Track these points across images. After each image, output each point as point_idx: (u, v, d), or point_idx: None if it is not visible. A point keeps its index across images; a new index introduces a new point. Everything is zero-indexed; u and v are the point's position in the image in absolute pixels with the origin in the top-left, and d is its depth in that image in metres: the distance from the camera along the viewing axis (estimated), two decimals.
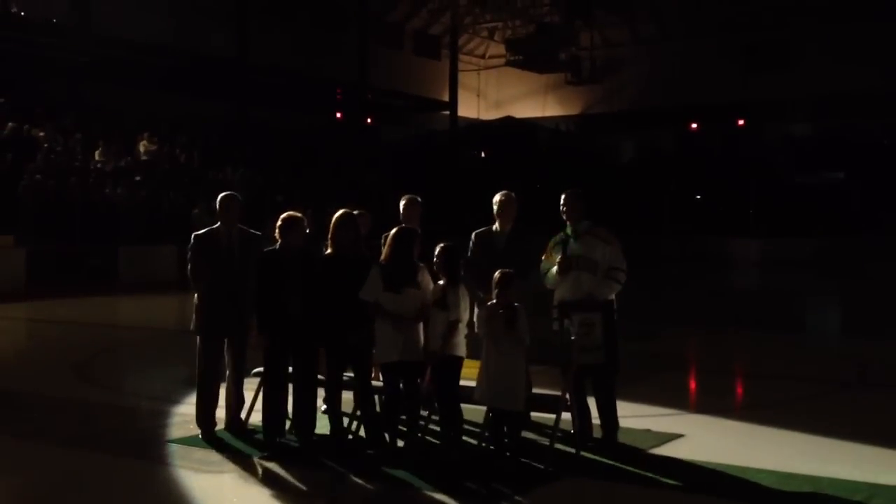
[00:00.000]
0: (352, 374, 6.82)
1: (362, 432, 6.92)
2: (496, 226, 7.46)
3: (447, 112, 45.30)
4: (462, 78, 46.37)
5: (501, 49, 46.37)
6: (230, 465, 6.50)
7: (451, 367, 6.51)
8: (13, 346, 13.84)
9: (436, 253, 6.57)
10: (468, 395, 6.50)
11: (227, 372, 7.29)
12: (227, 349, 7.28)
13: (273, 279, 6.83)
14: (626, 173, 38.86)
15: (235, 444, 6.94)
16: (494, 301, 6.41)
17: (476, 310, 6.65)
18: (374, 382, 6.86)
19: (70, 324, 15.83)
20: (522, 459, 6.38)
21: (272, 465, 6.45)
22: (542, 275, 7.12)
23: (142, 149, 26.60)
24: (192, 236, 7.35)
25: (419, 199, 7.69)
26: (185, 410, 8.00)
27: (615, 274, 6.92)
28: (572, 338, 6.72)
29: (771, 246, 31.69)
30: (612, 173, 37.97)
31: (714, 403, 9.02)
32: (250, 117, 33.09)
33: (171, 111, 30.19)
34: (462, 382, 6.59)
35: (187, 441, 7.06)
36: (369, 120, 40.71)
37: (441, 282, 6.54)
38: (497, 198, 7.47)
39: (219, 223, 7.27)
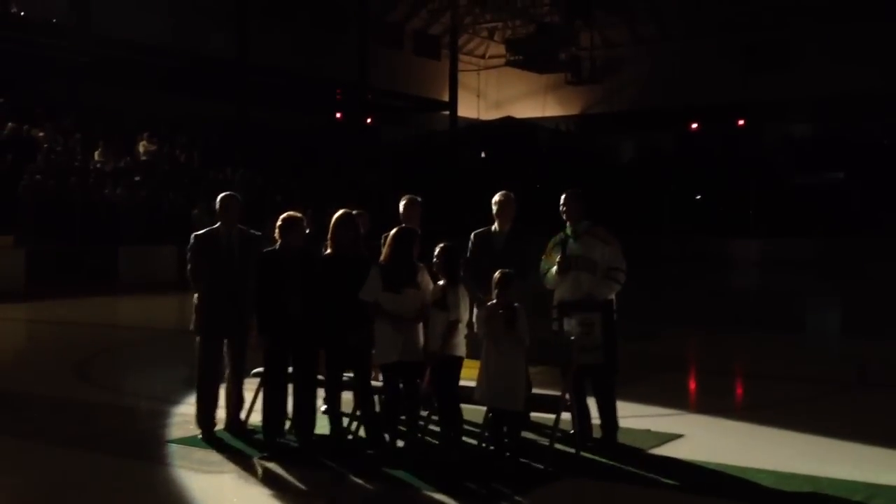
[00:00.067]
0: (352, 375, 6.82)
1: (362, 432, 6.91)
2: (495, 226, 7.45)
3: (447, 112, 45.32)
4: (462, 78, 46.39)
5: (501, 49, 46.39)
6: (230, 466, 6.49)
7: (450, 367, 6.51)
8: (13, 347, 13.84)
9: (435, 253, 6.57)
10: (468, 396, 6.50)
11: (227, 372, 7.29)
12: (227, 349, 7.28)
13: (273, 279, 6.83)
14: (626, 173, 38.87)
15: (235, 445, 6.94)
16: (494, 301, 6.41)
17: (475, 310, 6.65)
18: (373, 383, 6.86)
19: (70, 324, 15.83)
20: (522, 459, 6.37)
21: (272, 466, 6.45)
22: (541, 275, 7.11)
23: (141, 149, 26.62)
24: (192, 236, 7.35)
25: (419, 199, 7.69)
26: (185, 410, 8.00)
27: (615, 274, 6.92)
28: (572, 338, 6.72)
29: (771, 246, 31.70)
30: (612, 173, 37.99)
31: (714, 403, 9.02)
32: (250, 117, 33.11)
33: (171, 111, 30.21)
34: (462, 382, 6.59)
35: (187, 441, 7.05)
36: (369, 120, 40.73)
37: (441, 282, 6.53)
38: (496, 198, 7.46)
39: (219, 223, 7.27)
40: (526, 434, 6.83)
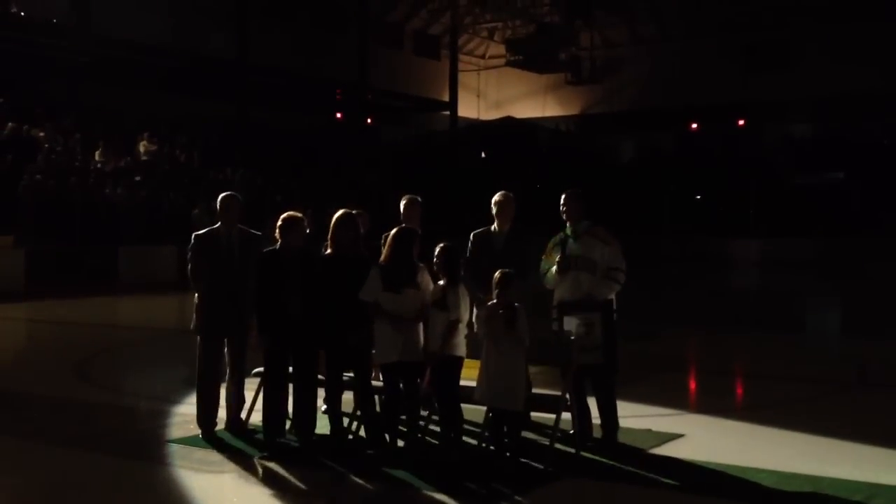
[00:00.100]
0: (352, 375, 6.82)
1: (362, 432, 6.91)
2: (495, 226, 7.45)
3: (447, 112, 45.32)
4: (462, 78, 46.39)
5: (501, 49, 46.40)
6: (230, 465, 6.50)
7: (450, 367, 6.51)
8: (13, 346, 13.84)
9: (436, 253, 6.57)
10: (468, 396, 6.50)
11: (228, 372, 7.29)
12: (227, 349, 7.28)
13: (273, 279, 6.83)
14: (626, 173, 38.87)
15: (235, 444, 6.94)
16: (494, 301, 6.41)
17: (475, 310, 6.65)
18: (374, 383, 6.86)
19: (70, 324, 15.83)
20: (522, 459, 6.37)
21: (272, 465, 6.45)
22: (541, 275, 7.12)
23: (142, 149, 26.62)
24: (193, 236, 7.35)
25: (419, 199, 7.69)
26: (186, 410, 8.00)
27: (614, 274, 6.92)
28: (572, 338, 6.72)
29: (771, 246, 31.69)
30: (612, 173, 37.99)
31: (714, 403, 9.02)
32: (250, 117, 33.10)
33: (171, 111, 30.21)
34: (462, 382, 6.59)
35: (187, 441, 7.06)
36: (369, 120, 40.72)
37: (441, 282, 6.54)
38: (495, 198, 7.46)
39: (219, 223, 7.28)
40: (526, 434, 6.83)
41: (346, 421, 6.95)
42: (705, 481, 6.13)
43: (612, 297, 6.98)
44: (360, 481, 6.14)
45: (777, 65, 39.95)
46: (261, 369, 7.08)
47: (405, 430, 6.68)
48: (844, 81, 37.32)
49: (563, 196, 7.12)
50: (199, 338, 7.29)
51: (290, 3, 36.78)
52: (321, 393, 7.02)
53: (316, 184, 28.78)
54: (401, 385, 6.61)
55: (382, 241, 6.83)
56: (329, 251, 6.91)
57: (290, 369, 6.94)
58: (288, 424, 7.04)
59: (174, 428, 7.55)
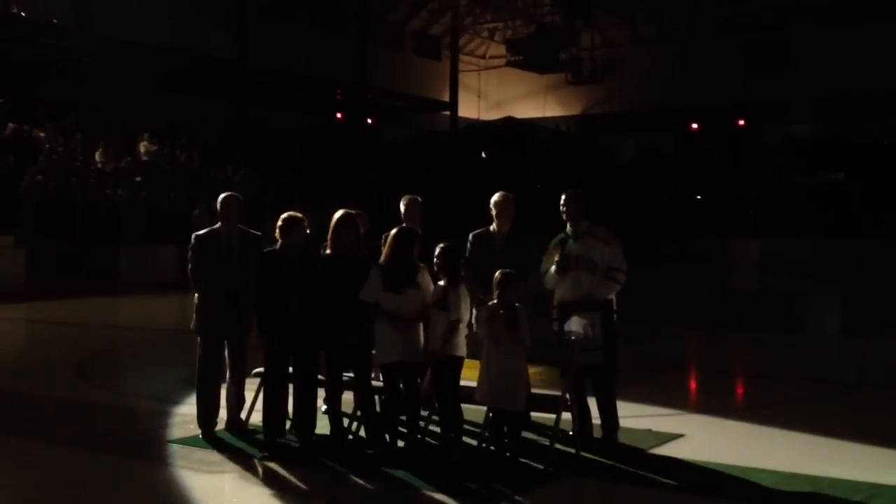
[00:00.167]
0: (352, 375, 6.82)
1: (362, 432, 6.92)
2: (494, 226, 7.45)
3: (447, 112, 45.30)
4: (462, 78, 46.37)
5: (502, 49, 46.39)
6: (231, 465, 6.50)
7: (451, 367, 6.51)
8: (13, 347, 13.85)
9: (436, 253, 6.57)
10: (469, 396, 6.50)
11: (228, 372, 7.30)
12: (227, 349, 7.28)
13: (273, 279, 6.83)
14: (626, 173, 38.87)
15: (236, 445, 6.95)
16: (495, 301, 6.41)
17: (475, 310, 6.65)
18: (374, 383, 6.86)
19: (70, 324, 15.83)
20: (522, 459, 6.38)
21: (272, 465, 6.45)
22: (541, 274, 7.12)
23: (142, 149, 26.62)
24: (193, 236, 7.36)
25: (419, 199, 7.70)
26: (186, 411, 8.00)
27: (614, 274, 6.92)
28: (573, 338, 6.72)
29: (771, 246, 31.70)
30: (612, 173, 37.99)
31: (714, 404, 9.02)
32: (250, 117, 33.10)
33: (171, 111, 30.20)
34: (462, 383, 6.60)
35: (188, 441, 7.06)
36: (369, 120, 40.70)
37: (441, 282, 6.54)
38: (495, 198, 7.46)
39: (219, 223, 7.28)
40: (526, 434, 6.83)
41: (346, 421, 6.96)
42: (705, 481, 6.14)
43: (613, 297, 6.98)
44: (360, 481, 6.14)
45: (777, 65, 39.94)
46: (261, 369, 7.08)
47: (405, 430, 6.68)
48: (844, 81, 37.31)
49: (563, 196, 7.12)
50: (199, 338, 7.30)
51: (290, 3, 36.76)
52: (321, 393, 7.02)
53: (316, 184, 28.77)
54: (401, 385, 6.61)
55: (383, 241, 6.83)
56: (329, 251, 6.91)
57: (290, 369, 6.94)
58: (288, 424, 7.04)
59: (174, 428, 7.56)
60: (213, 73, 34.00)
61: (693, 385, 10.76)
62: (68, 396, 9.13)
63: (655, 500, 5.88)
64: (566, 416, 6.61)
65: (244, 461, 6.57)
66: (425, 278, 6.59)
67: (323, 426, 6.93)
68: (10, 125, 24.15)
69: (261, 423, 6.99)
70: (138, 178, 24.64)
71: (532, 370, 6.85)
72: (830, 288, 24.69)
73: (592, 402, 7.01)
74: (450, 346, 6.46)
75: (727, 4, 40.03)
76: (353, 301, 6.53)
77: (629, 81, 44.71)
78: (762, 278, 28.26)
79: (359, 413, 6.93)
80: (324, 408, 7.07)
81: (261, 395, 7.08)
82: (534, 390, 6.88)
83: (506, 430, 6.45)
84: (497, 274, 6.44)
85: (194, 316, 7.27)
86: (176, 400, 8.58)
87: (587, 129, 45.86)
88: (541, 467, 6.25)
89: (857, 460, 6.63)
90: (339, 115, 40.54)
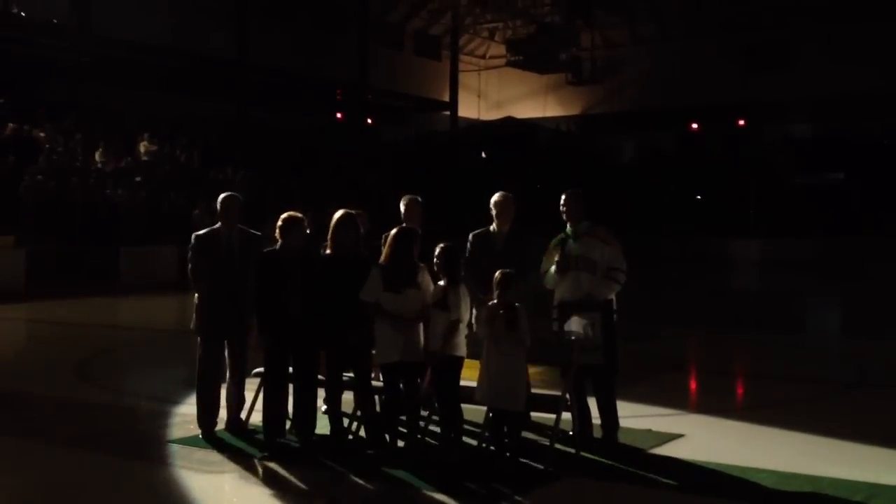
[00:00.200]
0: (352, 375, 6.82)
1: (362, 432, 6.92)
2: (494, 226, 7.45)
3: (447, 112, 45.30)
4: (462, 78, 46.37)
5: (502, 49, 46.38)
6: (231, 465, 6.50)
7: (451, 367, 6.52)
8: (13, 347, 13.85)
9: (436, 253, 6.57)
10: (469, 396, 6.50)
11: (228, 372, 7.30)
12: (227, 349, 7.28)
13: (273, 279, 6.83)
14: (626, 173, 38.87)
15: (236, 445, 6.95)
16: (495, 301, 6.41)
17: (475, 310, 6.65)
18: (374, 383, 6.86)
19: (70, 324, 15.83)
20: (523, 459, 6.38)
21: (272, 465, 6.45)
22: (541, 274, 7.12)
23: (142, 149, 26.62)
24: (193, 236, 7.36)
25: (419, 199, 7.69)
26: (186, 411, 8.00)
27: (614, 274, 6.92)
28: (573, 338, 6.72)
29: (771, 246, 31.70)
30: (612, 173, 37.99)
31: (714, 403, 9.02)
32: (250, 117, 33.10)
33: (171, 111, 30.20)
34: (463, 383, 6.60)
35: (188, 441, 7.06)
36: (369, 120, 40.70)
37: (441, 282, 6.54)
38: (495, 198, 7.46)
39: (219, 223, 7.28)
40: (526, 434, 6.83)
41: (346, 421, 6.96)
42: (705, 481, 6.14)
43: (613, 297, 6.98)
44: (361, 481, 6.14)
45: (777, 65, 39.94)
46: (261, 369, 7.08)
47: (405, 430, 6.68)
48: (844, 81, 37.31)
49: (563, 196, 7.12)
50: (199, 338, 7.30)
51: (290, 3, 36.76)
52: (321, 393, 7.02)
53: (316, 184, 28.77)
54: (401, 385, 6.61)
55: (383, 241, 6.83)
56: (329, 251, 6.91)
57: (290, 369, 6.94)
58: (288, 424, 7.04)
59: (174, 428, 7.56)
60: (213, 73, 33.99)
61: (693, 385, 10.76)
62: (68, 396, 9.13)
63: (655, 500, 5.88)
64: (566, 416, 6.61)
65: (244, 461, 6.57)
66: (425, 278, 6.59)
67: (323, 426, 6.93)
68: (10, 125, 24.14)
69: (261, 423, 6.99)
70: (138, 178, 24.64)
71: (532, 370, 6.85)
72: (830, 288, 24.69)
73: (592, 402, 7.01)
74: (450, 346, 6.46)
75: (727, 4, 40.03)
76: (353, 301, 6.53)
77: (629, 81, 44.72)
78: (762, 278, 28.26)
79: (359, 413, 6.93)
80: (324, 408, 7.07)
81: (261, 395, 7.09)
82: (534, 390, 6.88)
83: (506, 430, 6.45)
84: (497, 274, 6.44)
85: (194, 316, 7.27)
86: (176, 400, 8.58)
87: (587, 129, 45.86)
88: (541, 467, 6.25)
89: (857, 460, 6.63)
90: (339, 115, 40.54)
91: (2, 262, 19.49)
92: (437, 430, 6.79)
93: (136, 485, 6.24)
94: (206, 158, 27.82)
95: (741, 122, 40.16)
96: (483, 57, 49.33)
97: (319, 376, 6.95)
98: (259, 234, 7.42)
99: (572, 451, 6.59)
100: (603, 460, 6.55)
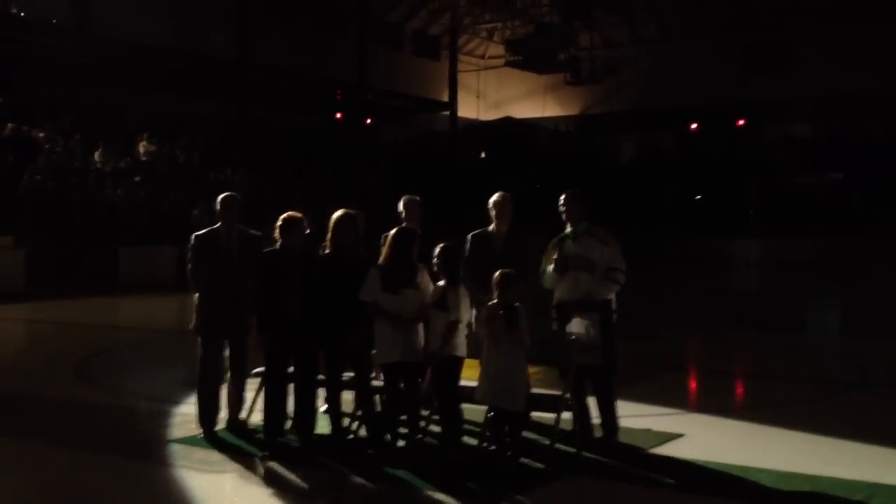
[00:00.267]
0: (352, 374, 6.82)
1: (362, 432, 6.92)
2: (493, 226, 7.45)
3: (447, 112, 45.32)
4: (462, 78, 46.38)
5: (501, 49, 46.38)
6: (231, 465, 6.50)
7: (451, 367, 6.52)
8: (13, 347, 13.84)
9: (435, 253, 6.57)
10: (469, 396, 6.50)
11: (228, 372, 7.30)
12: (227, 349, 7.28)
13: (273, 279, 6.83)
14: (625, 173, 38.88)
15: (236, 444, 6.95)
16: (495, 302, 6.41)
17: (475, 310, 6.65)
18: (374, 382, 6.86)
19: (70, 324, 15.83)
20: (523, 459, 6.38)
21: (273, 465, 6.45)
22: (540, 274, 7.11)
23: (141, 149, 26.62)
24: (193, 236, 7.36)
25: (419, 199, 7.69)
26: (186, 410, 8.00)
27: (614, 274, 6.92)
28: (573, 338, 6.72)
29: (771, 246, 31.72)
30: (611, 173, 37.99)
31: (714, 403, 9.02)
32: (250, 117, 33.09)
33: (171, 111, 30.19)
34: (462, 383, 6.60)
35: (188, 441, 7.06)
36: (369, 120, 40.71)
37: (441, 282, 6.54)
38: (494, 198, 7.46)
39: (219, 223, 7.28)
40: (526, 434, 6.83)
41: (346, 421, 6.96)
42: (705, 481, 6.14)
43: (612, 297, 6.98)
44: (361, 481, 6.14)
45: (777, 65, 39.95)
46: (261, 369, 7.08)
47: (405, 430, 6.68)
48: (844, 81, 37.31)
49: (562, 197, 7.12)
50: (199, 338, 7.30)
51: (290, 3, 36.76)
52: (321, 393, 7.02)
53: (316, 184, 28.77)
54: (401, 385, 6.61)
55: (382, 241, 6.83)
56: (328, 251, 6.91)
57: (291, 369, 6.94)
58: (288, 424, 7.04)
59: (175, 428, 7.56)
60: (213, 73, 33.99)
61: (693, 385, 10.76)
62: (68, 396, 9.13)
63: (655, 500, 5.88)
64: (566, 415, 6.61)
65: (244, 461, 6.57)
66: (424, 278, 6.59)
67: (323, 426, 6.93)
68: (10, 125, 24.14)
69: (261, 423, 6.99)
70: (138, 178, 24.63)
71: (532, 370, 6.85)
72: (830, 288, 24.69)
73: (592, 402, 7.00)
74: (449, 346, 6.46)
75: (727, 4, 40.04)
76: (353, 301, 6.53)
77: (629, 81, 44.71)
78: (762, 278, 28.26)
79: (359, 413, 6.93)
80: (324, 408, 7.07)
81: (261, 395, 7.09)
82: (534, 390, 6.87)
83: (506, 429, 6.45)
84: (496, 274, 6.44)
85: (194, 316, 7.27)
86: (176, 400, 8.57)
87: (586, 129, 45.86)
88: (541, 467, 6.25)
89: (856, 460, 6.63)
90: (338, 115, 40.54)
91: (1, 262, 19.49)
92: (438, 429, 6.78)
93: (136, 485, 6.24)
94: (206, 158, 27.82)
95: (741, 122, 40.16)
96: (482, 57, 49.33)
97: (319, 376, 6.95)
98: (258, 234, 7.43)
99: (572, 451, 6.59)
100: (603, 460, 6.54)
